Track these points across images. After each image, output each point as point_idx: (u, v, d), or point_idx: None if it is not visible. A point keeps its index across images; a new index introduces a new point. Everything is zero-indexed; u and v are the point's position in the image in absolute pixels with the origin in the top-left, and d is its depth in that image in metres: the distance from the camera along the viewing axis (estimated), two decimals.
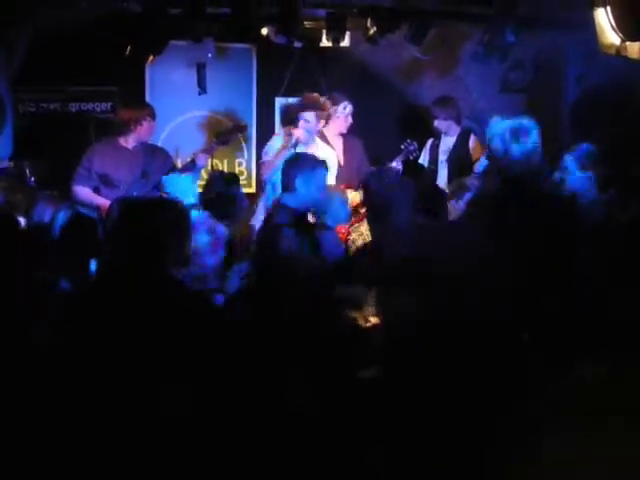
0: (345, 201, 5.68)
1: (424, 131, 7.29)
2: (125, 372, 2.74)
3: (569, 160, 5.02)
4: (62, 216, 4.73)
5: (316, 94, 6.65)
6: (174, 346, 2.74)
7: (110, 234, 3.29)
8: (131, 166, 6.13)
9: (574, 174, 5.00)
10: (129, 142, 6.20)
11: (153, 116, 6.24)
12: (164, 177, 5.86)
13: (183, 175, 5.89)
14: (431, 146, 7.29)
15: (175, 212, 3.26)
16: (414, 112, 8.02)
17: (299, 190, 4.85)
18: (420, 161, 7.32)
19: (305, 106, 6.38)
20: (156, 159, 6.26)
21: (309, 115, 6.32)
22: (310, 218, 5.39)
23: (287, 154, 6.17)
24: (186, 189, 5.54)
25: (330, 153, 6.54)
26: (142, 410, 2.66)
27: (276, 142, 6.52)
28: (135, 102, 6.40)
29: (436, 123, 7.11)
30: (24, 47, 6.33)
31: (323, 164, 5.01)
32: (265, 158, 6.41)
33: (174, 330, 2.80)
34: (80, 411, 2.68)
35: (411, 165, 6.98)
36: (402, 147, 6.81)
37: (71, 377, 2.77)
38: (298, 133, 6.25)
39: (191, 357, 2.69)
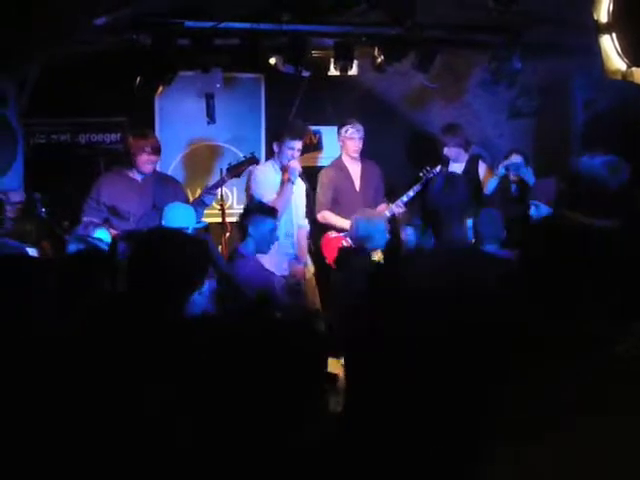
0: (386, 227, 5.74)
1: (432, 158, 7.30)
2: (135, 413, 2.72)
3: None
4: (72, 249, 4.75)
5: (299, 121, 6.68)
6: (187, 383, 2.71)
7: (118, 270, 3.23)
8: (141, 198, 6.06)
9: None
10: (136, 173, 6.15)
11: (154, 149, 6.10)
12: (166, 207, 5.70)
13: (183, 205, 5.80)
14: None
15: (197, 246, 3.21)
16: (422, 139, 8.05)
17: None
18: None
19: (292, 135, 6.36)
20: (167, 190, 6.17)
21: (297, 144, 6.30)
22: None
23: (290, 188, 6.20)
24: (187, 219, 5.51)
25: (302, 187, 6.57)
26: (152, 442, 2.64)
27: (269, 176, 6.44)
28: (136, 133, 6.25)
29: (445, 151, 7.13)
30: (34, 79, 6.37)
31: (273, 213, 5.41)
32: (268, 196, 6.27)
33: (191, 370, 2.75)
34: (89, 450, 2.66)
35: None
36: (421, 174, 6.78)
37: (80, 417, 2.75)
38: (295, 165, 6.23)
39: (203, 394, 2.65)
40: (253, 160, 6.30)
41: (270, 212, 5.48)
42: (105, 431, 2.68)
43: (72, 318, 3.43)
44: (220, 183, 6.25)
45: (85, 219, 5.94)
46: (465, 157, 7.20)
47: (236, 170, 6.25)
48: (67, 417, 2.74)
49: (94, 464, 2.57)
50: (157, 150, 6.14)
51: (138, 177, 6.14)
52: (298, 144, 6.33)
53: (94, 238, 5.05)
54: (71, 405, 2.77)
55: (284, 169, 6.32)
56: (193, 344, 2.81)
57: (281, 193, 6.26)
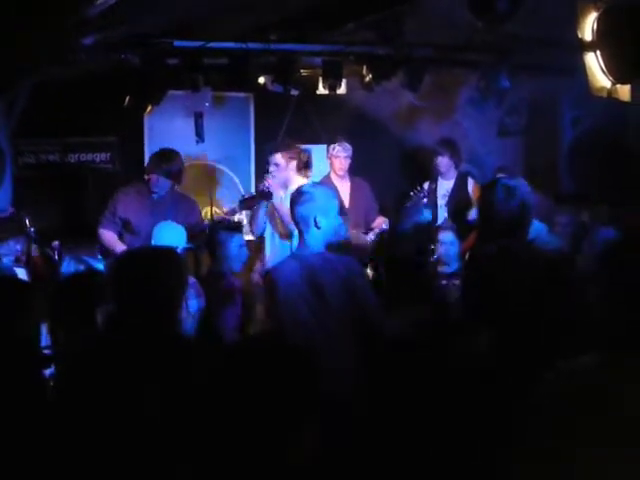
0: (455, 241, 5.73)
1: (422, 176, 7.33)
2: (131, 433, 2.70)
3: None
4: (65, 268, 4.73)
5: (289, 140, 6.67)
6: (183, 401, 2.69)
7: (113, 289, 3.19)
8: (154, 215, 6.00)
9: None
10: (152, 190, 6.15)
11: (166, 174, 6.07)
12: (156, 226, 5.69)
13: (174, 224, 5.79)
14: (428, 189, 7.31)
15: (176, 262, 3.20)
16: (411, 158, 8.08)
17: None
18: None
19: (275, 149, 6.35)
20: (182, 209, 6.15)
21: (278, 158, 6.26)
22: None
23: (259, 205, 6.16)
24: (176, 238, 5.48)
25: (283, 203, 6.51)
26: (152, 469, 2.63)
27: None
28: (152, 158, 6.29)
29: (438, 160, 7.12)
30: (24, 99, 6.39)
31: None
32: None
33: (184, 385, 2.73)
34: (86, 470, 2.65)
35: None
36: (411, 193, 6.78)
37: (76, 437, 2.73)
38: (268, 181, 6.19)
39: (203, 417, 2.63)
40: (267, 195, 6.20)
41: (236, 228, 5.51)
42: (97, 450, 2.68)
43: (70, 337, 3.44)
44: (231, 213, 6.32)
45: (101, 230, 6.01)
46: (454, 174, 7.22)
47: (248, 203, 6.24)
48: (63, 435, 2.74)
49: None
50: (170, 175, 6.10)
51: (154, 195, 6.14)
52: (278, 158, 6.27)
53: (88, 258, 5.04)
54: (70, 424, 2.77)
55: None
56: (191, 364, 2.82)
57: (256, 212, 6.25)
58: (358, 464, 2.37)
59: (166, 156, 6.18)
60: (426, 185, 7.23)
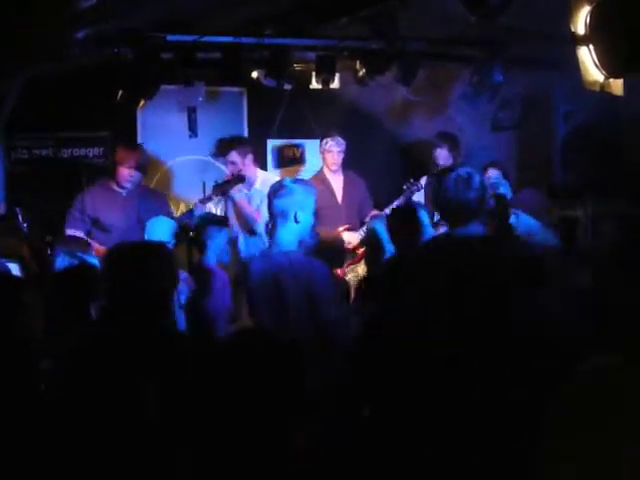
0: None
1: (415, 171, 7.31)
2: (128, 423, 2.70)
3: None
4: (60, 263, 4.72)
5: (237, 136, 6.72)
6: (177, 396, 2.69)
7: (104, 284, 3.19)
8: (124, 211, 6.04)
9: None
10: (118, 186, 6.13)
11: (137, 165, 6.07)
12: (148, 221, 5.65)
13: (166, 219, 5.78)
14: (426, 184, 7.29)
15: (166, 256, 3.20)
16: (405, 152, 8.08)
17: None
18: (414, 199, 7.33)
19: (229, 148, 6.37)
20: (152, 204, 6.15)
21: (233, 156, 6.29)
22: None
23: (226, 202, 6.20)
24: (168, 233, 5.45)
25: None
26: (146, 459, 2.62)
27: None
28: (124, 145, 6.25)
29: (437, 152, 7.09)
30: (16, 94, 6.36)
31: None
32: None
33: (178, 379, 2.73)
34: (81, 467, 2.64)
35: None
36: (404, 187, 6.70)
37: (72, 432, 2.72)
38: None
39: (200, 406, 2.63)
40: (240, 179, 6.26)
41: (223, 222, 5.55)
42: (92, 442, 2.68)
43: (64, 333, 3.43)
44: (207, 200, 6.25)
45: (68, 231, 5.91)
46: None
47: (222, 188, 6.23)
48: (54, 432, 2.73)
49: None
50: (139, 167, 6.09)
51: (122, 190, 6.10)
52: (233, 156, 6.32)
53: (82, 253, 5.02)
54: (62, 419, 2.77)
55: None
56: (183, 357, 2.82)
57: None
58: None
59: (136, 149, 6.15)
60: (424, 180, 7.22)
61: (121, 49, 5.98)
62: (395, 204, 6.55)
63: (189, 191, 7.33)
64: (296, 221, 4.01)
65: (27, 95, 6.42)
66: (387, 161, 8.14)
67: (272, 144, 7.97)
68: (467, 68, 6.72)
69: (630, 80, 4.64)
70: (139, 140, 7.58)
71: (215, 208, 6.62)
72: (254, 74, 6.72)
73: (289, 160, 7.30)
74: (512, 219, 5.46)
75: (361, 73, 6.62)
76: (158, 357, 2.81)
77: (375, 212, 6.82)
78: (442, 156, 7.11)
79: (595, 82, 4.64)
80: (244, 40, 6.11)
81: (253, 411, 2.12)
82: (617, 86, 4.65)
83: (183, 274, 5.08)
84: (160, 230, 5.49)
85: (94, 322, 3.53)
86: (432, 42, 6.54)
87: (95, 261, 5.02)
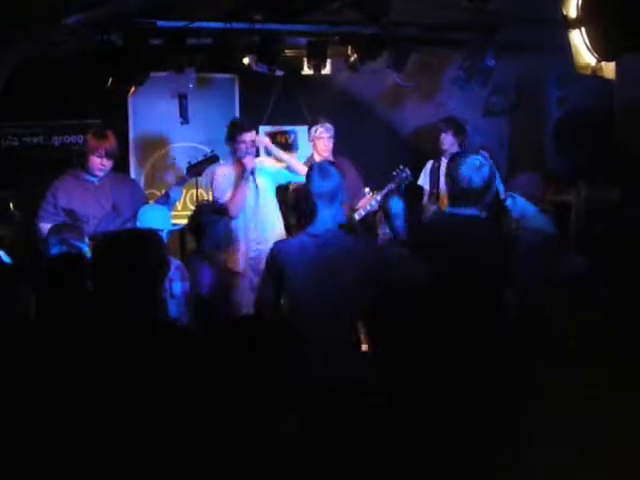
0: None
1: (405, 157, 7.28)
2: (116, 411, 2.69)
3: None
4: (52, 251, 4.69)
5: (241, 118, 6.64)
6: (165, 384, 2.68)
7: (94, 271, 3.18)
8: (98, 200, 5.84)
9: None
10: (90, 175, 5.91)
11: (108, 154, 5.85)
12: (140, 209, 5.58)
13: (159, 207, 5.72)
14: (432, 169, 7.27)
15: (156, 244, 3.19)
16: (396, 138, 8.06)
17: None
18: (420, 183, 7.32)
19: (239, 129, 6.29)
20: (125, 191, 5.98)
21: (247, 136, 6.21)
22: None
23: (244, 185, 6.13)
24: (162, 221, 5.42)
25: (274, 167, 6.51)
26: (135, 446, 2.62)
27: (229, 176, 6.30)
28: (95, 133, 5.99)
29: (442, 137, 7.13)
30: (5, 81, 6.31)
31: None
32: (226, 197, 6.19)
33: (165, 367, 2.73)
34: (73, 450, 2.64)
35: (411, 189, 6.94)
36: (394, 173, 6.66)
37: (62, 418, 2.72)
38: (248, 162, 6.12)
39: (183, 393, 2.64)
40: (214, 159, 6.17)
41: (224, 211, 5.56)
42: (81, 433, 2.67)
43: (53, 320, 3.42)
44: (182, 182, 6.17)
45: (41, 225, 5.74)
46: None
47: (196, 169, 6.13)
48: (43, 418, 2.72)
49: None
50: (111, 155, 5.88)
51: (94, 179, 5.90)
52: (247, 136, 6.23)
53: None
54: (47, 408, 2.75)
55: (240, 166, 6.21)
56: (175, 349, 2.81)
57: (235, 192, 6.16)
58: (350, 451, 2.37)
59: (107, 136, 6.00)
60: (429, 164, 7.19)
61: (111, 35, 5.94)
62: (385, 190, 6.54)
63: (179, 178, 7.29)
64: (341, 202, 4.15)
65: (17, 82, 6.37)
66: (379, 147, 8.12)
67: (264, 130, 7.94)
68: (459, 53, 6.71)
69: (623, 64, 4.63)
70: (130, 127, 7.55)
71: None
72: (245, 60, 6.68)
73: (281, 147, 7.25)
74: (508, 202, 5.50)
75: (353, 59, 6.60)
76: (145, 345, 2.81)
77: (367, 199, 6.79)
78: (447, 141, 7.11)
79: (587, 66, 4.63)
80: (235, 26, 6.07)
81: (232, 397, 2.13)
82: (609, 70, 4.64)
83: (175, 262, 5.07)
84: (153, 218, 5.46)
85: (82, 309, 3.51)
86: (424, 27, 6.51)
87: (87, 249, 5.00)
